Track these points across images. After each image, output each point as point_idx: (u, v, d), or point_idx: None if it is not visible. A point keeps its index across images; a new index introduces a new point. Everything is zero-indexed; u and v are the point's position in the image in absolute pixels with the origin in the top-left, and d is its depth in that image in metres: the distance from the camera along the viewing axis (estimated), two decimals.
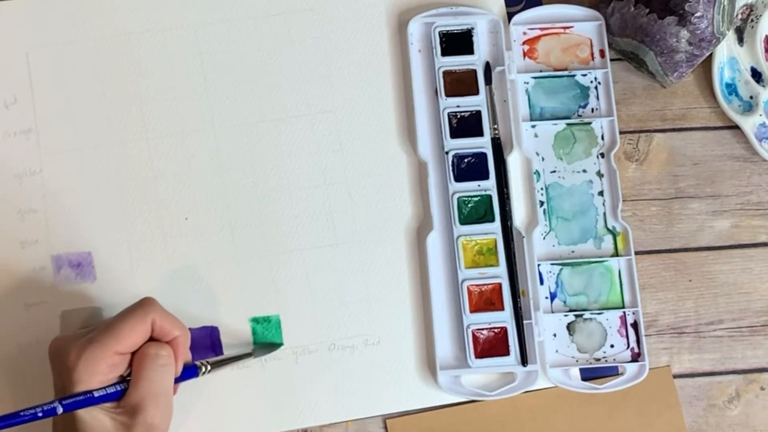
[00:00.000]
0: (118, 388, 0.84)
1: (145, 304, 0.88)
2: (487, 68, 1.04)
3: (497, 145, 1.02)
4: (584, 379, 1.00)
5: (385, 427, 0.99)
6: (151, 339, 0.87)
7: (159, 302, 0.89)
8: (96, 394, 0.82)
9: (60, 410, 0.79)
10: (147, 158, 1.02)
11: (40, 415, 0.78)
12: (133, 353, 0.86)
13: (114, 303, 0.98)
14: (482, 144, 1.02)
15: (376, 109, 1.04)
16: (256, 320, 1.00)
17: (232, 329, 0.99)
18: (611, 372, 1.00)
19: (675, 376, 1.02)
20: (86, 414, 0.82)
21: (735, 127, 1.06)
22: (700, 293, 1.04)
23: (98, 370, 0.82)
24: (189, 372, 0.90)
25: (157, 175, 1.01)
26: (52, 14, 1.03)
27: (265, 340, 0.99)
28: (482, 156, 1.02)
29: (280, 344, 0.99)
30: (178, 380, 0.89)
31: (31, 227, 1.00)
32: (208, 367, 0.92)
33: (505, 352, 0.98)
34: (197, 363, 0.91)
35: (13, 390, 0.97)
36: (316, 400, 0.99)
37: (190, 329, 0.95)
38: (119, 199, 1.01)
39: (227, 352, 0.99)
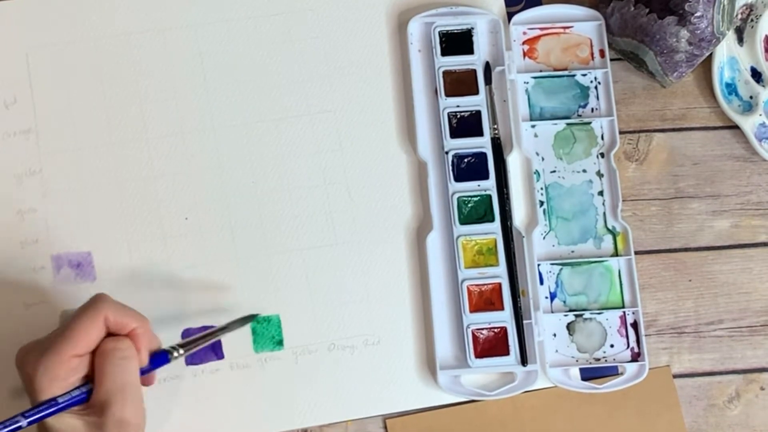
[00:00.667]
0: (83, 390, 0.82)
1: (95, 301, 0.84)
2: (487, 68, 1.03)
3: (497, 145, 1.02)
4: (584, 379, 1.00)
5: (385, 427, 0.99)
6: (110, 334, 0.85)
7: (111, 297, 0.86)
8: (61, 401, 0.80)
9: (24, 423, 0.77)
10: (147, 158, 1.01)
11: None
12: (93, 352, 0.84)
13: None
14: (482, 144, 1.01)
15: (376, 109, 1.04)
16: (256, 320, 0.99)
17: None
18: (611, 372, 1.00)
19: (675, 376, 1.01)
20: (55, 421, 0.80)
21: (735, 127, 1.06)
22: (700, 293, 1.03)
23: (58, 376, 0.80)
24: (159, 359, 0.87)
25: (157, 175, 1.01)
26: (52, 14, 1.03)
27: (245, 315, 0.98)
28: (482, 156, 1.01)
29: (255, 315, 0.98)
30: (147, 370, 0.86)
31: (31, 227, 1.00)
32: (180, 351, 0.88)
33: (505, 352, 0.98)
34: (167, 348, 0.88)
35: (12, 390, 0.97)
36: (316, 400, 0.99)
37: (190, 329, 0.97)
38: (119, 199, 1.00)
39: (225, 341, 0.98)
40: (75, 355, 0.81)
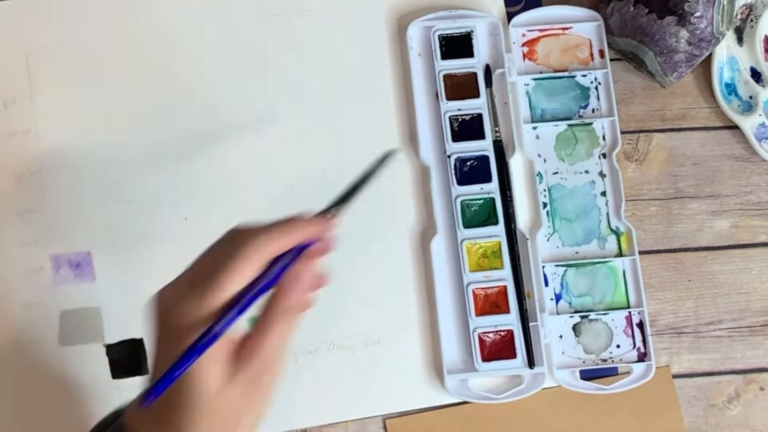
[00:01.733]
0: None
1: (241, 246, 0.69)
2: (488, 71, 1.00)
3: (499, 147, 0.99)
4: (584, 379, 0.96)
5: (385, 427, 0.96)
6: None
7: (249, 223, 0.73)
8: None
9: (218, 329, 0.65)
10: (147, 158, 0.98)
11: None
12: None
13: (113, 303, 0.95)
14: (484, 147, 0.98)
15: (377, 113, 1.01)
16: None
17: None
18: (611, 373, 0.97)
19: (674, 376, 0.98)
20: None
21: (734, 127, 1.03)
22: (700, 293, 1.00)
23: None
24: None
25: (157, 175, 0.98)
26: (52, 14, 1.01)
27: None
28: (484, 159, 0.98)
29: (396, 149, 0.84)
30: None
31: (31, 227, 0.97)
32: (335, 209, 0.76)
33: (512, 354, 0.95)
34: (324, 210, 0.76)
35: (11, 390, 0.93)
36: (316, 400, 0.96)
37: None
38: (119, 199, 0.97)
39: None
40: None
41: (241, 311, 0.66)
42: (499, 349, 0.95)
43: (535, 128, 1.00)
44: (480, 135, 0.98)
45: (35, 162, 0.97)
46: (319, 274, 0.71)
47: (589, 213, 0.98)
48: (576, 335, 0.96)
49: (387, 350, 0.96)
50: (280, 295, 0.68)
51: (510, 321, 0.95)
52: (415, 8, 1.02)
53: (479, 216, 0.97)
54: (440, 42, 0.99)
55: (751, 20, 1.02)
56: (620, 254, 0.98)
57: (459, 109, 0.98)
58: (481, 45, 1.00)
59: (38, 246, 0.96)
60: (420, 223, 0.98)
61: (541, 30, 1.02)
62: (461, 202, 0.96)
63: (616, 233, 0.98)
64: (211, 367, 0.65)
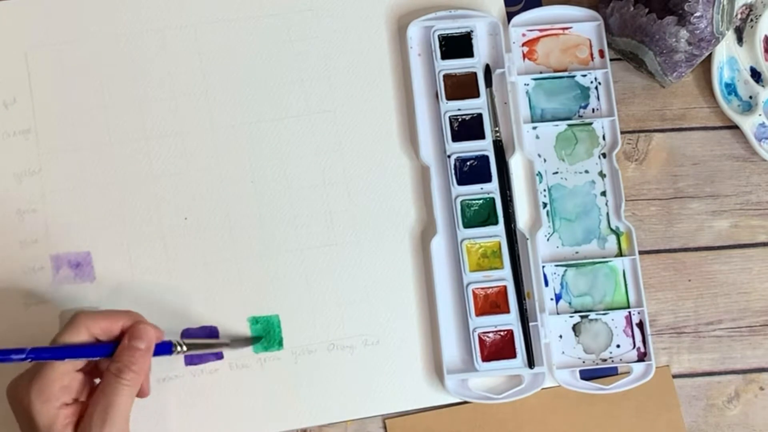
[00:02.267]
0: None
1: (73, 318, 0.83)
2: (487, 71, 0.99)
3: (499, 147, 0.97)
4: (584, 379, 0.95)
5: (385, 427, 0.95)
6: (107, 341, 0.83)
7: (90, 310, 0.86)
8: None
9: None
10: (146, 158, 0.97)
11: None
12: (85, 371, 0.84)
13: (113, 303, 0.94)
14: (484, 147, 0.97)
15: (377, 112, 0.99)
16: (255, 320, 0.95)
17: (232, 329, 0.95)
18: (610, 372, 0.96)
19: (674, 376, 0.97)
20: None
21: (734, 126, 1.02)
22: (700, 293, 0.99)
23: (51, 397, 0.79)
24: (162, 348, 0.85)
25: (157, 175, 0.97)
26: (51, 14, 0.99)
27: (249, 335, 0.95)
28: (484, 159, 0.97)
29: (260, 338, 0.95)
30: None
31: (30, 227, 0.95)
32: (183, 347, 0.87)
33: (512, 354, 0.93)
34: (172, 341, 0.86)
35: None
36: (315, 400, 0.94)
37: (190, 329, 0.94)
38: (119, 199, 0.96)
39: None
40: (63, 374, 0.81)
41: (59, 351, 0.80)
42: (499, 349, 0.94)
43: (535, 128, 0.99)
44: (480, 135, 0.97)
45: (34, 162, 0.96)
46: (148, 349, 0.83)
47: (589, 213, 0.97)
48: (576, 335, 0.95)
49: (387, 350, 0.95)
50: (113, 359, 0.82)
51: (510, 321, 0.94)
52: (415, 8, 1.01)
53: (479, 216, 0.96)
54: (440, 42, 0.98)
55: (751, 20, 1.02)
56: (620, 254, 0.97)
57: (459, 109, 0.97)
58: (481, 45, 0.99)
59: (38, 246, 0.95)
60: (420, 223, 0.97)
61: (541, 30, 1.01)
62: (461, 201, 0.95)
63: (616, 233, 0.97)
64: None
